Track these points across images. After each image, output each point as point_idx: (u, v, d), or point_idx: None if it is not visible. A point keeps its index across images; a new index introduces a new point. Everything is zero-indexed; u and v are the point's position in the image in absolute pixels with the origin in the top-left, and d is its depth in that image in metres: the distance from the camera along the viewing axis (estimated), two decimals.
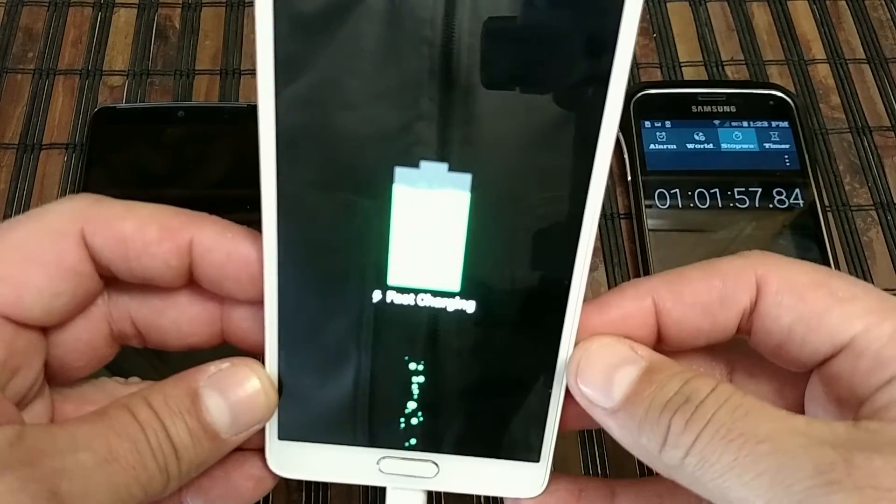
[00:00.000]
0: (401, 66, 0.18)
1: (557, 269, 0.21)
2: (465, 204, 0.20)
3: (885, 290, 0.36)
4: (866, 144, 0.40)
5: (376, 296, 0.21)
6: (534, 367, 0.22)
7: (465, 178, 0.20)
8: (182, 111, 0.36)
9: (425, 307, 0.21)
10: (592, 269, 0.36)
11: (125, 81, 0.39)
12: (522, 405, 0.23)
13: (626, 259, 0.36)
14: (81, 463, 0.18)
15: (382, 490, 0.26)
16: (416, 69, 0.18)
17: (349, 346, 0.22)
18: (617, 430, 0.20)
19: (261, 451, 0.23)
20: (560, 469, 0.24)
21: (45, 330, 0.21)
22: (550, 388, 0.22)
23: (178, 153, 0.35)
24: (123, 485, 0.18)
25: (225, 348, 0.23)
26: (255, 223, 0.34)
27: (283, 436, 0.23)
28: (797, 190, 0.36)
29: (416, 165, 0.19)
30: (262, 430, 0.23)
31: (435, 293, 0.21)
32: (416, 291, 0.21)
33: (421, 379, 0.22)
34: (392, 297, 0.21)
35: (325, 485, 0.30)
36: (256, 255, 0.21)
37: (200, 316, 0.23)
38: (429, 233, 0.20)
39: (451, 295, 0.21)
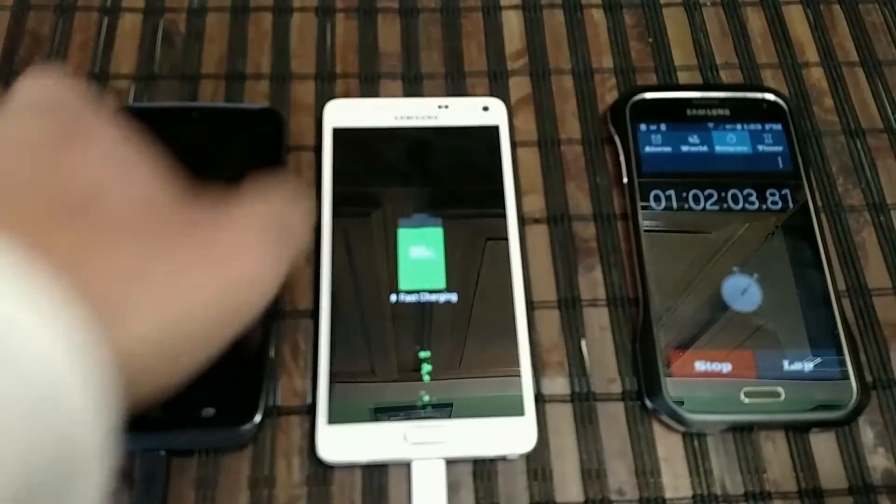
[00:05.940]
0: (399, 167, 0.36)
1: (503, 265, 0.34)
2: (440, 234, 0.35)
3: (878, 289, 0.37)
4: (859, 146, 0.40)
5: (392, 298, 0.33)
6: (503, 338, 0.33)
7: (438, 220, 0.35)
8: (196, 111, 0.37)
9: (425, 302, 0.33)
10: (590, 269, 0.36)
11: (131, 85, 0.40)
12: (502, 371, 0.32)
13: (621, 259, 0.37)
14: None
15: (385, 485, 0.27)
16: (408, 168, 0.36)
17: (377, 339, 0.32)
18: None
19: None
20: (557, 460, 0.29)
21: None
22: (518, 351, 0.32)
23: (183, 155, 0.36)
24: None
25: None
26: None
27: (332, 420, 0.31)
28: (790, 191, 0.37)
29: (409, 216, 0.35)
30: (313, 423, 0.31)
31: (430, 291, 0.33)
32: (418, 292, 0.33)
33: (427, 357, 0.32)
34: (403, 297, 0.33)
35: (327, 479, 0.31)
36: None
37: None
38: (421, 253, 0.34)
39: (440, 291, 0.33)
